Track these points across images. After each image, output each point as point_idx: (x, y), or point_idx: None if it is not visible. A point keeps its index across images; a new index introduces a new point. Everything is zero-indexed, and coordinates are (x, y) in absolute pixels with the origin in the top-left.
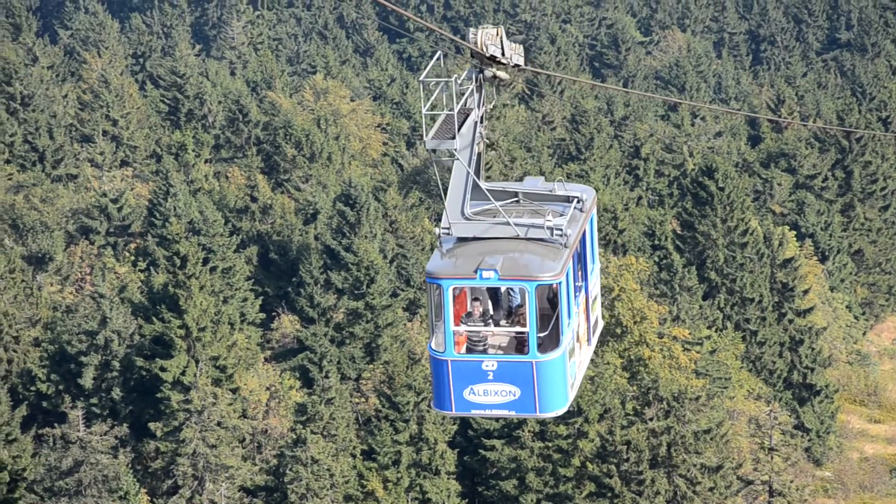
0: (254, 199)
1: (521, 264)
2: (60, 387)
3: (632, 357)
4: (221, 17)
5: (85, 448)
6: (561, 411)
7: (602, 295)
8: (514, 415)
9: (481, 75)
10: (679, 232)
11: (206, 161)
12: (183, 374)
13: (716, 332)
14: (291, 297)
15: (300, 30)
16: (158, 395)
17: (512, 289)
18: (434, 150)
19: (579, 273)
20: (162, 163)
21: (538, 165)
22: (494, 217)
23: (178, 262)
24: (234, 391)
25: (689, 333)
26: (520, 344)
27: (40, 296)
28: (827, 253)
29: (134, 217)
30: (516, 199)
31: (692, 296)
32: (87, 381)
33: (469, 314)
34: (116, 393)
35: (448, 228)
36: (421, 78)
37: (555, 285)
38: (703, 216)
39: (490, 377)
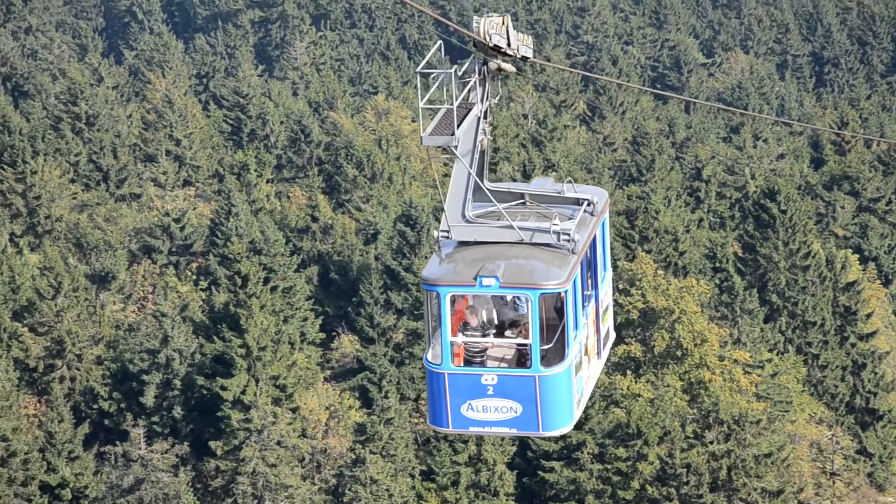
0: (315, 219)
1: (524, 271)
2: (122, 405)
3: (692, 380)
4: (284, 37)
5: (146, 466)
6: (565, 429)
7: (662, 317)
8: (514, 433)
9: (485, 67)
10: (740, 254)
11: (267, 181)
12: (243, 392)
13: (777, 355)
14: (351, 316)
15: (362, 50)
16: (219, 413)
17: (517, 298)
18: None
19: (588, 281)
20: (224, 182)
21: (599, 187)
22: (498, 220)
23: (239, 281)
24: (293, 410)
25: (750, 356)
26: (522, 357)
27: (103, 314)
28: (890, 276)
29: (196, 236)
30: (522, 201)
31: (753, 319)
32: (149, 399)
33: (466, 324)
34: (177, 411)
35: (447, 231)
36: (418, 69)
37: (561, 294)
38: (765, 239)
39: (490, 392)
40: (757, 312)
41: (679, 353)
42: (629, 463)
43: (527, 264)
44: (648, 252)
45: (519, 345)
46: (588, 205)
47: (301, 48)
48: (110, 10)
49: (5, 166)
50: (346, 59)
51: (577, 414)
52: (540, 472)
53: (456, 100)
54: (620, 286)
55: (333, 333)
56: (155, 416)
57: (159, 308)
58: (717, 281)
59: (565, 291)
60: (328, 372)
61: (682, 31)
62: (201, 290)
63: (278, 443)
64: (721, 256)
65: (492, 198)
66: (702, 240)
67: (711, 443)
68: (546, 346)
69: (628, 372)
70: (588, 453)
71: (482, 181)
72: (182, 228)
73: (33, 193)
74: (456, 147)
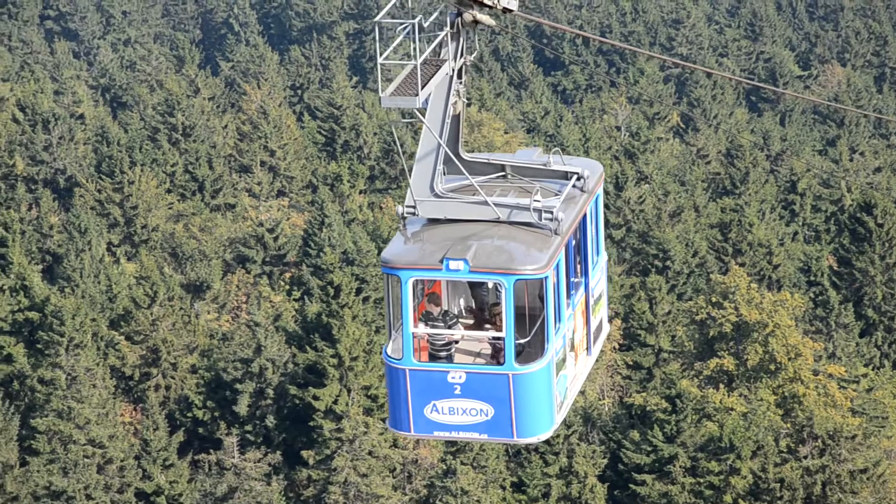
0: None
1: (498, 254)
2: (216, 413)
3: (786, 394)
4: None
5: (239, 475)
6: (544, 436)
7: (756, 331)
8: (485, 438)
9: (459, 19)
10: (836, 268)
11: (360, 192)
12: (335, 402)
13: (873, 370)
14: None
15: None
16: (311, 423)
17: (498, 285)
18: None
19: (577, 267)
20: (317, 193)
21: (692, 199)
22: (474, 195)
23: (331, 291)
24: (384, 421)
25: (846, 371)
26: (497, 352)
27: (198, 323)
28: None
29: (289, 246)
30: (503, 174)
31: (849, 333)
32: (242, 408)
33: (429, 313)
34: (270, 420)
35: (413, 207)
36: (377, 18)
37: (540, 280)
38: (861, 252)
39: (457, 391)
40: (852, 327)
41: (772, 367)
42: (722, 477)
43: (502, 246)
44: (742, 265)
45: (493, 338)
46: (577, 179)
47: (395, 59)
48: (207, 22)
49: (104, 176)
50: None
51: (559, 418)
52: (631, 485)
53: (421, 55)
54: (713, 299)
55: None
56: (248, 424)
57: (253, 318)
58: (812, 295)
59: (545, 277)
60: None
61: (778, 44)
62: (294, 300)
63: (370, 453)
64: (816, 270)
65: (463, 169)
66: (796, 253)
67: (805, 458)
68: (522, 340)
69: (721, 385)
70: (680, 466)
71: (457, 151)
72: (276, 239)
73: (130, 203)
74: (418, 109)
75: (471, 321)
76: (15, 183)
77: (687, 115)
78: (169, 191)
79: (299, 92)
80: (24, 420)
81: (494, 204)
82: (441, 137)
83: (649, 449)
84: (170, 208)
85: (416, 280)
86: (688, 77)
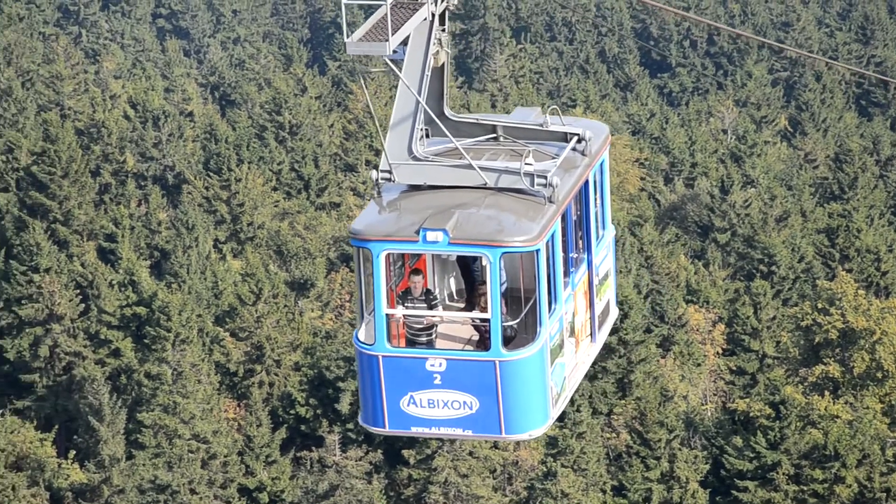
0: None
1: (482, 223)
2: (318, 411)
3: (893, 402)
4: (484, 49)
5: (340, 472)
6: (536, 433)
7: (863, 338)
8: (470, 435)
9: None
10: None
11: None
12: None
13: None
14: None
15: (562, 63)
16: None
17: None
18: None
19: (578, 241)
20: None
21: (799, 204)
22: (461, 159)
23: None
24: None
25: None
26: (485, 338)
27: (301, 321)
28: None
29: None
30: (494, 135)
31: None
32: (345, 406)
33: (407, 292)
34: None
35: (389, 172)
36: None
37: (531, 254)
38: None
39: (437, 381)
40: None
41: (879, 375)
42: (826, 485)
43: (488, 215)
44: (849, 271)
45: (479, 320)
46: (578, 141)
47: (500, 60)
48: (315, 22)
49: (211, 174)
50: (545, 71)
51: (555, 413)
52: (733, 492)
53: None
54: (819, 305)
55: None
56: (350, 423)
57: (356, 316)
58: None
59: (536, 250)
60: None
61: (890, 47)
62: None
63: (470, 454)
64: None
65: (445, 130)
66: None
67: None
68: (511, 323)
69: (826, 392)
70: (783, 474)
71: (441, 110)
72: None
73: (237, 201)
74: (389, 56)
75: (461, 305)
76: (125, 179)
77: (795, 119)
78: (275, 189)
79: None
80: (131, 414)
81: (481, 168)
82: (419, 93)
83: (752, 455)
84: (275, 206)
85: (390, 254)
86: (796, 80)
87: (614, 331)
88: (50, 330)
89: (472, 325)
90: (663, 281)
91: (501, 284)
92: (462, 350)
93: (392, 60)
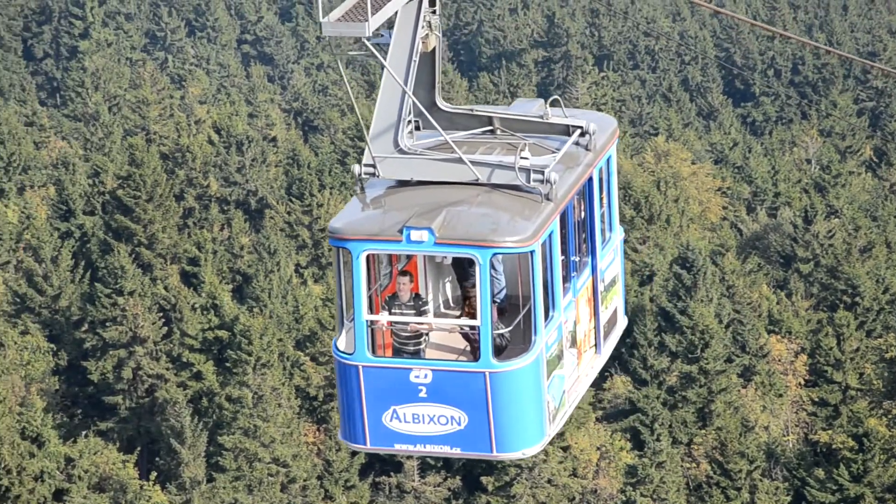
0: None
1: (471, 222)
2: None
3: None
4: (567, 77)
5: (419, 498)
6: (531, 451)
7: None
8: (458, 453)
9: None
10: None
11: None
12: None
13: None
14: (624, 358)
15: (644, 91)
16: None
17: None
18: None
19: (582, 244)
20: None
21: (884, 235)
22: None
23: None
24: (564, 449)
25: None
26: (474, 346)
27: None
28: None
29: None
30: (490, 128)
31: None
32: None
33: (394, 296)
34: None
35: (373, 166)
36: None
37: (524, 256)
38: None
39: (422, 394)
40: None
41: None
42: None
43: (479, 213)
44: None
45: (469, 328)
46: (581, 134)
47: (583, 88)
48: None
49: (293, 199)
50: (627, 99)
51: (552, 430)
52: None
53: None
54: None
55: (606, 374)
56: None
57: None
58: None
59: (531, 252)
60: (600, 412)
61: None
62: None
63: (549, 481)
64: None
65: (433, 122)
66: None
67: None
68: (503, 331)
69: None
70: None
71: (433, 100)
72: None
73: (319, 226)
74: (369, 39)
75: (457, 314)
76: (209, 203)
77: (880, 149)
78: None
79: None
80: (212, 437)
81: (473, 162)
82: (406, 80)
83: (834, 488)
84: None
85: (371, 254)
86: (882, 111)
87: (694, 360)
88: (133, 352)
89: (461, 334)
90: (745, 310)
91: (500, 291)
92: (449, 360)
93: (378, 45)
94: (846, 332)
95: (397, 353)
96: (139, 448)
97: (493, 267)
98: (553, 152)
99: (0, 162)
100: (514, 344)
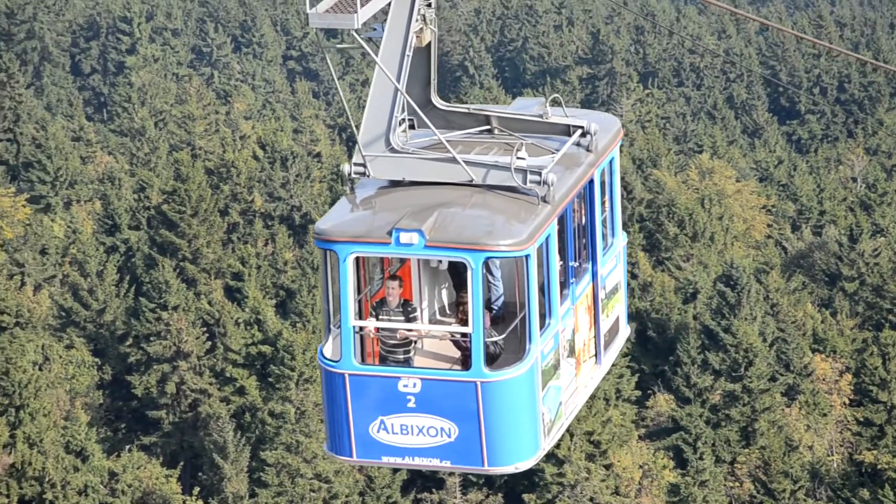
0: (634, 276)
1: (463, 224)
2: None
3: None
4: (611, 94)
5: None
6: (524, 465)
7: None
8: (448, 466)
9: None
10: None
11: None
12: (557, 447)
13: None
14: (668, 375)
15: (689, 109)
16: (533, 466)
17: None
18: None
19: (581, 249)
20: None
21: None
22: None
23: None
24: (607, 467)
25: None
26: (467, 355)
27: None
28: None
29: None
30: (488, 127)
31: None
32: None
33: (383, 301)
34: None
35: (363, 166)
36: None
37: (519, 260)
38: None
39: (411, 404)
40: None
41: None
42: None
43: (472, 215)
44: None
45: (460, 335)
46: (582, 135)
47: (627, 105)
48: (443, 65)
49: None
50: (671, 116)
51: (547, 443)
52: None
53: None
54: None
55: (649, 392)
56: None
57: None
58: None
59: (525, 256)
60: (642, 430)
61: None
62: None
63: (591, 499)
64: None
65: (427, 120)
66: None
67: None
68: (496, 338)
69: None
70: None
71: (428, 97)
72: None
73: None
74: (358, 31)
75: (452, 321)
76: (253, 218)
77: None
78: None
79: None
80: (255, 452)
81: (468, 162)
82: (399, 76)
83: None
84: None
85: (359, 257)
86: None
87: (738, 378)
88: (177, 367)
89: (452, 341)
90: (789, 329)
91: (498, 298)
92: (439, 369)
93: (370, 40)
94: (892, 352)
95: (384, 361)
96: (182, 463)
97: (490, 272)
98: (552, 153)
99: (47, 176)
100: (509, 353)
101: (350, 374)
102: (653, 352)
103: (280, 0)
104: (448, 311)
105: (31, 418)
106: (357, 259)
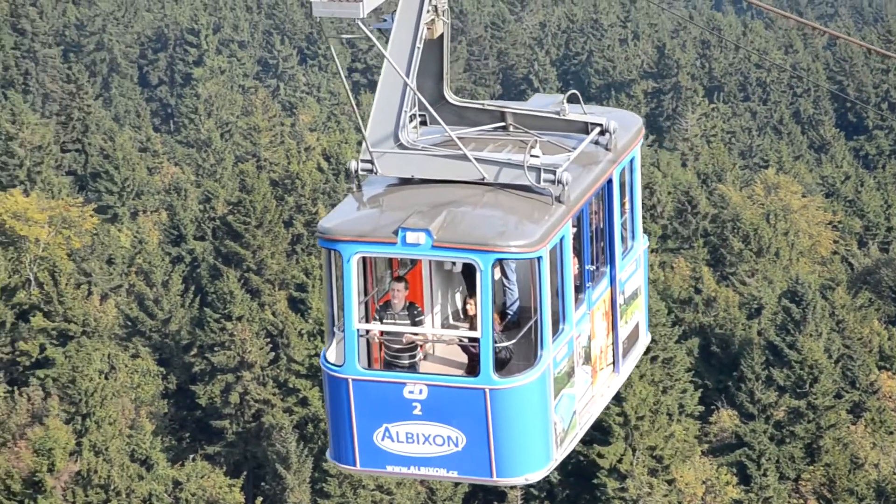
0: (698, 291)
1: (473, 224)
2: None
3: None
4: (676, 108)
5: None
6: (534, 476)
7: None
8: (455, 477)
9: None
10: None
11: (652, 250)
12: (620, 461)
13: None
14: (731, 391)
15: (755, 123)
16: (595, 480)
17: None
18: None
19: (599, 253)
20: None
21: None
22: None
23: None
24: (669, 483)
25: None
26: (475, 360)
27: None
28: None
29: None
30: (503, 124)
31: None
32: None
33: (387, 305)
34: (554, 476)
35: (370, 162)
36: None
37: (530, 262)
38: None
39: (417, 411)
40: None
41: None
42: None
43: (483, 214)
44: None
45: (468, 340)
46: (601, 133)
47: (693, 119)
48: (508, 78)
49: None
50: (737, 131)
51: (560, 454)
52: None
53: None
54: None
55: (712, 407)
56: None
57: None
58: None
59: (538, 258)
60: (705, 446)
61: None
62: None
63: None
64: None
65: (435, 115)
66: None
67: None
68: (505, 343)
69: None
70: None
71: (441, 92)
72: None
73: None
74: (362, 20)
75: (466, 326)
76: (317, 230)
77: None
78: None
79: None
80: (317, 463)
81: (480, 160)
82: (409, 69)
83: None
84: None
85: (364, 258)
86: None
87: (803, 395)
88: (240, 377)
89: (460, 346)
90: (855, 346)
91: (513, 303)
92: (446, 375)
93: (380, 32)
94: None
95: (390, 366)
96: (245, 472)
97: (505, 276)
98: (569, 151)
99: (114, 187)
100: (522, 359)
101: (353, 380)
102: (716, 367)
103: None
104: (462, 316)
105: (98, 426)
106: (364, 259)
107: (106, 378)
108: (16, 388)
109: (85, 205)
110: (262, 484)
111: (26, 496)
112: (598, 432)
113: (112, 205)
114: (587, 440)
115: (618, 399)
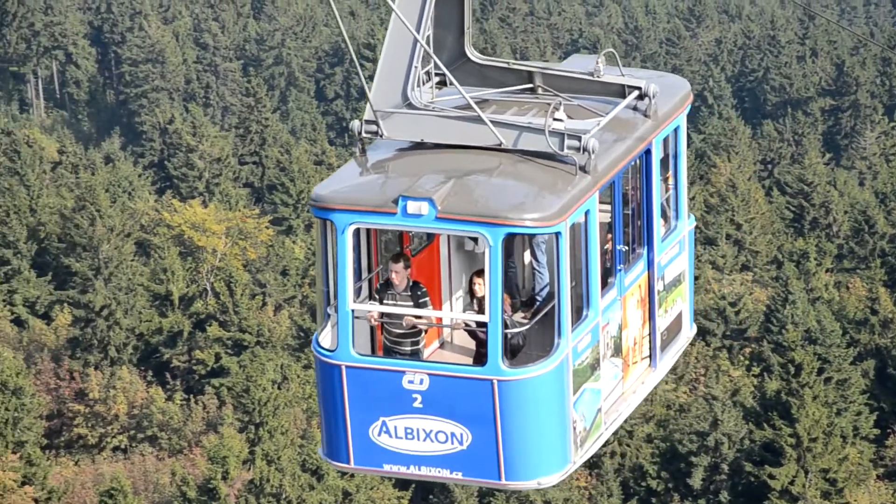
0: (874, 312)
1: (482, 194)
2: (670, 484)
3: None
4: (855, 126)
5: None
6: (548, 481)
7: None
8: (459, 478)
9: None
10: None
11: (827, 270)
12: (791, 483)
13: None
14: None
15: None
16: (766, 502)
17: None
18: None
19: (634, 233)
20: (782, 269)
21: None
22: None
23: (792, 369)
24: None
25: None
26: (484, 348)
27: (654, 392)
28: None
29: (751, 322)
30: (530, 85)
31: None
32: (696, 481)
33: (388, 284)
34: (724, 496)
35: (374, 123)
36: None
37: (548, 237)
38: None
39: (417, 404)
40: None
41: None
42: None
43: (496, 183)
44: None
45: (476, 325)
46: (640, 97)
47: (871, 138)
48: None
49: None
50: None
51: (580, 456)
52: None
53: None
54: None
55: (888, 430)
56: (702, 498)
57: (710, 391)
58: None
59: (556, 234)
60: (881, 470)
61: None
62: (753, 375)
63: None
64: None
65: (447, 73)
66: None
67: None
68: (518, 329)
69: None
70: None
71: (462, 49)
72: (737, 313)
73: None
74: None
75: (476, 308)
76: (310, 198)
77: None
78: None
79: (769, 166)
80: None
81: (497, 124)
82: (419, 22)
83: None
84: None
85: (360, 228)
86: None
87: None
88: None
89: (467, 332)
90: None
91: (543, 288)
92: (451, 364)
93: None
94: None
95: (390, 353)
96: (413, 485)
97: (535, 258)
98: (601, 116)
99: (290, 199)
100: (538, 349)
101: (347, 367)
102: (892, 389)
103: (520, 29)
104: (469, 299)
105: (270, 436)
106: (368, 232)
107: (279, 388)
108: (192, 395)
109: (261, 216)
110: (431, 497)
111: (201, 503)
112: (770, 453)
113: (287, 217)
114: (758, 461)
115: (790, 420)
